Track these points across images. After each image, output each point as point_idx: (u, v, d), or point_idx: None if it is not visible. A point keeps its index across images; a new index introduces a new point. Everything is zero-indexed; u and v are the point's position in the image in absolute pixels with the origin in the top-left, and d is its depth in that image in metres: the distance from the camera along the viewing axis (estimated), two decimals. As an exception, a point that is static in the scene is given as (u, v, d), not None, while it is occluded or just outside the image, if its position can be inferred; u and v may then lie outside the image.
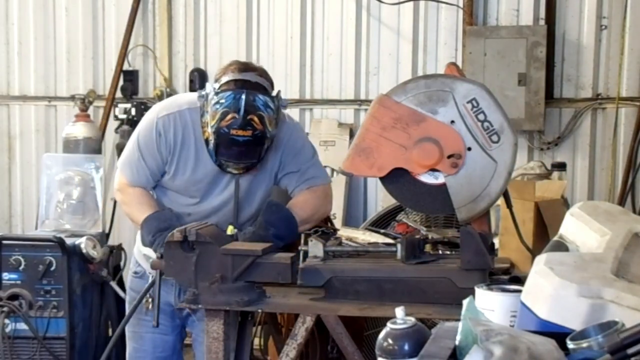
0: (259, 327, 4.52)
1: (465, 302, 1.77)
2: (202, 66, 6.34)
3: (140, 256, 3.53)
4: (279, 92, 3.28)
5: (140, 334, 3.54)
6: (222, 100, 3.11)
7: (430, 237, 3.59)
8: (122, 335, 3.52)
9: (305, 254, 3.10)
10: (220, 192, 3.38)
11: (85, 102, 6.19)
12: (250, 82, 3.16)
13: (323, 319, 3.02)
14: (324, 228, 3.63)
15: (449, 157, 2.84)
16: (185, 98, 3.44)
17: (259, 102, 3.11)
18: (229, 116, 3.09)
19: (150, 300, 3.31)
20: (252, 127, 3.10)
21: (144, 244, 3.29)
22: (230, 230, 3.24)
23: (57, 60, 6.66)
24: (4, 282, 4.57)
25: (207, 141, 3.22)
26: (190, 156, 3.31)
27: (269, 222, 3.27)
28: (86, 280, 4.68)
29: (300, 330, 3.00)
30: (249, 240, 3.16)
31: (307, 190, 3.44)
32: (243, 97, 3.09)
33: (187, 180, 3.34)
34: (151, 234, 3.21)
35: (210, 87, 3.20)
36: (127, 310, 3.54)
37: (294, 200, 3.44)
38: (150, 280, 3.26)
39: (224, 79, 3.18)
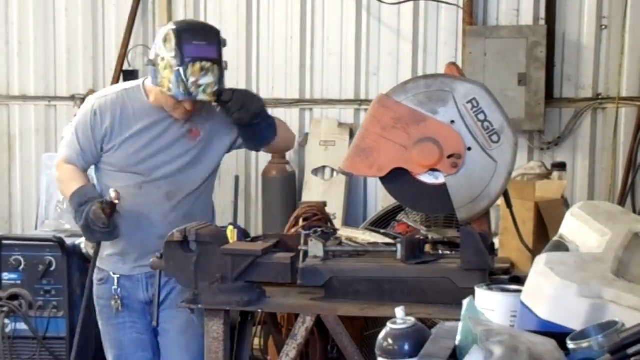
0: (259, 327, 4.52)
1: (465, 302, 1.77)
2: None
3: (101, 260, 3.54)
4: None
5: (119, 339, 3.53)
6: (176, 47, 3.27)
7: (430, 237, 3.59)
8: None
9: (305, 254, 3.10)
10: (172, 161, 3.45)
11: (85, 102, 6.19)
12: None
13: (323, 319, 3.02)
14: (324, 228, 3.63)
15: (449, 157, 2.84)
16: (122, 84, 3.72)
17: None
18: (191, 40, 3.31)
19: (118, 301, 3.43)
20: (210, 38, 3.42)
21: (76, 222, 3.43)
22: (230, 230, 3.25)
23: (57, 60, 6.66)
24: (4, 282, 4.57)
25: (167, 86, 3.28)
26: (131, 129, 3.42)
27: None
28: (86, 280, 4.67)
29: (300, 330, 3.00)
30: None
31: None
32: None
33: (130, 153, 3.43)
34: (74, 210, 3.37)
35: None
36: (100, 323, 3.59)
37: None
38: (115, 282, 3.43)
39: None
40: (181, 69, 3.21)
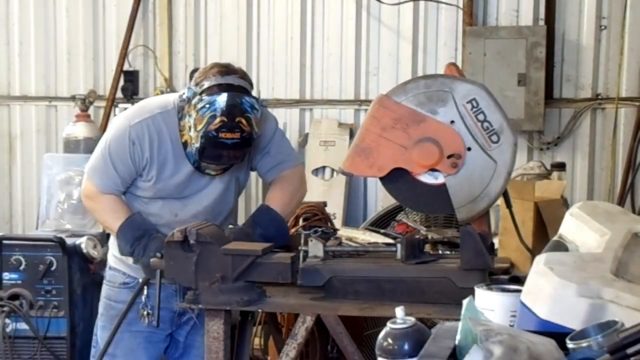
0: (259, 327, 4.52)
1: (465, 302, 1.78)
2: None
3: (121, 263, 3.41)
4: (259, 93, 3.34)
5: (132, 347, 3.36)
6: (208, 105, 3.06)
7: (430, 237, 3.60)
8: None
9: (306, 254, 3.11)
10: (200, 192, 3.32)
11: (85, 103, 6.20)
12: (234, 85, 3.12)
13: (323, 318, 3.03)
14: (324, 228, 3.64)
15: (448, 157, 2.84)
16: (154, 102, 3.35)
17: (245, 104, 3.07)
18: (217, 120, 3.04)
19: (146, 310, 3.25)
20: (240, 129, 3.06)
21: (122, 253, 3.27)
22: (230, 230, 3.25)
23: (57, 60, 6.66)
24: (4, 282, 4.57)
25: (185, 144, 3.19)
26: (169, 160, 3.24)
27: (258, 222, 3.30)
28: (87, 280, 4.68)
29: (300, 330, 3.00)
30: (234, 234, 3.15)
31: (280, 179, 3.42)
32: (231, 100, 3.06)
33: (169, 184, 3.26)
34: (129, 243, 3.19)
35: (192, 90, 3.14)
36: (105, 326, 3.40)
37: (271, 196, 3.42)
38: (138, 287, 3.26)
39: (207, 83, 3.12)
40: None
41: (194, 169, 3.26)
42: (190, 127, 3.13)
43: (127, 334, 3.33)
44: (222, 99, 3.05)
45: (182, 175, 3.26)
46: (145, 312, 3.26)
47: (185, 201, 3.31)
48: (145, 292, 3.25)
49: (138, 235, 3.18)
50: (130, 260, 3.27)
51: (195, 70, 3.39)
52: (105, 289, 3.47)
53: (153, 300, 3.20)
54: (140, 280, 3.27)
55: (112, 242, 3.42)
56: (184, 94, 3.16)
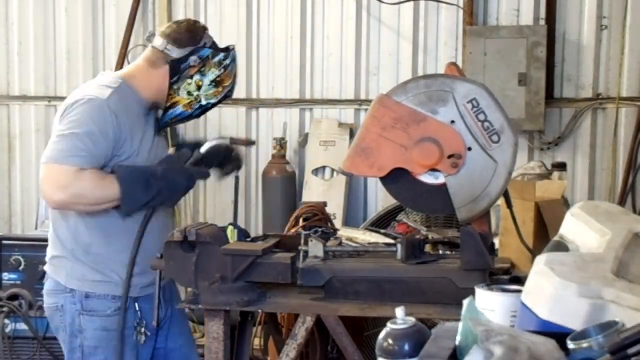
0: (259, 327, 4.52)
1: (465, 302, 1.77)
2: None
3: (105, 286, 3.15)
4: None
5: None
6: (231, 60, 3.29)
7: (430, 237, 3.59)
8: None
9: (305, 253, 3.10)
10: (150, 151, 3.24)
11: (85, 102, 6.19)
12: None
13: (323, 319, 3.02)
14: (324, 228, 3.63)
15: (449, 157, 2.84)
16: (104, 81, 3.20)
17: None
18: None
19: (143, 331, 3.16)
20: None
21: (135, 207, 3.07)
22: (230, 230, 3.25)
23: (57, 60, 6.67)
24: (3, 282, 4.57)
25: (172, 105, 3.21)
26: (135, 131, 3.15)
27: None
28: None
29: (300, 330, 3.00)
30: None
31: None
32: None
33: (140, 156, 3.15)
34: (142, 193, 3.04)
35: (206, 50, 3.24)
36: (104, 355, 3.14)
37: None
38: (137, 307, 3.15)
39: (208, 41, 3.26)
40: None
41: (154, 136, 3.24)
42: (206, 83, 3.21)
43: (130, 353, 3.18)
44: (233, 56, 3.31)
45: (148, 143, 3.20)
46: (141, 330, 3.17)
47: None
48: (137, 307, 3.17)
49: (141, 184, 3.03)
50: (114, 277, 3.12)
51: (152, 35, 3.37)
52: (96, 321, 3.13)
53: (144, 316, 3.16)
54: (130, 299, 3.14)
55: (74, 272, 3.15)
56: (192, 52, 3.19)
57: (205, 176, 3.29)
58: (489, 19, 5.87)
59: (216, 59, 3.23)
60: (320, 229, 3.38)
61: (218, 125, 6.34)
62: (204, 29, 3.30)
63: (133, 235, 3.11)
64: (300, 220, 4.04)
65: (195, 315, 4.93)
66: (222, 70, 3.24)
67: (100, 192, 3.02)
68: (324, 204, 4.34)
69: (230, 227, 3.23)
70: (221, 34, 6.30)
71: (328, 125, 6.13)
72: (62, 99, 6.49)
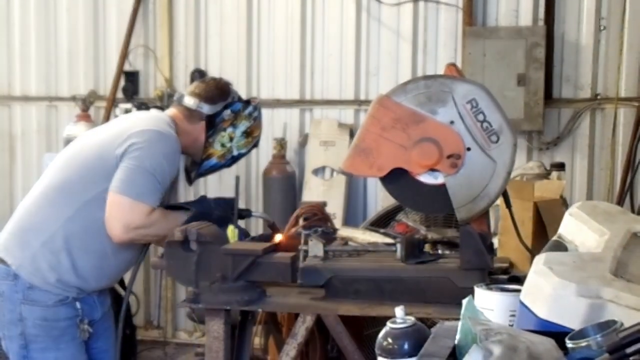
0: (259, 327, 4.53)
1: (464, 301, 1.78)
2: (202, 67, 6.35)
3: (48, 284, 3.18)
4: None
5: (77, 357, 3.27)
6: (258, 113, 3.52)
7: (429, 237, 3.60)
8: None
9: (306, 253, 3.11)
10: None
11: (86, 103, 6.22)
12: None
13: (323, 318, 3.03)
14: (324, 228, 3.64)
15: (448, 157, 2.85)
16: (161, 120, 3.36)
17: None
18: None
19: (85, 328, 3.24)
20: None
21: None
22: (230, 230, 3.26)
23: (58, 60, 6.67)
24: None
25: (208, 157, 3.47)
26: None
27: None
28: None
29: (301, 330, 3.01)
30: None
31: None
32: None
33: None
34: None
35: (237, 104, 3.48)
36: (42, 344, 3.19)
37: None
38: (79, 306, 3.21)
39: (235, 96, 3.51)
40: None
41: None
42: (238, 135, 3.46)
43: (72, 343, 3.24)
44: (260, 108, 3.56)
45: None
46: (84, 327, 3.24)
47: None
48: (78, 306, 3.22)
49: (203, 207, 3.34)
50: (57, 275, 3.16)
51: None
52: (37, 311, 3.16)
53: (85, 314, 3.24)
54: (71, 297, 3.20)
55: (31, 263, 3.16)
56: (226, 107, 3.43)
57: (246, 236, 3.48)
58: (488, 20, 5.88)
59: (246, 111, 3.48)
60: (320, 229, 3.39)
61: (218, 126, 6.35)
62: (230, 84, 3.55)
63: (106, 258, 3.22)
64: (300, 220, 4.05)
65: (196, 315, 4.93)
66: (252, 121, 3.50)
67: (162, 231, 3.15)
68: (324, 204, 4.34)
69: (231, 227, 3.25)
70: (221, 34, 6.32)
71: (328, 125, 6.14)
72: (63, 99, 6.59)
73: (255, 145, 3.58)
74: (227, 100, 3.46)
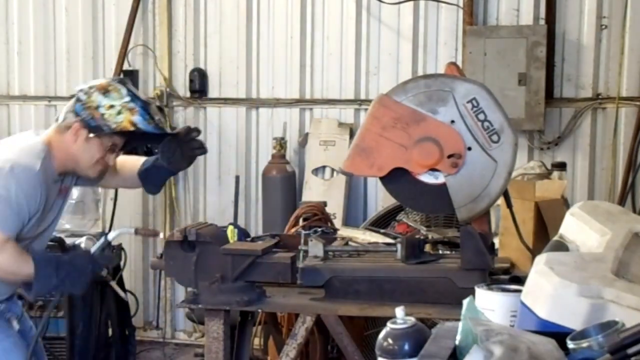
0: (259, 327, 4.52)
1: (465, 302, 1.77)
2: (202, 66, 6.34)
3: None
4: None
5: (7, 349, 3.24)
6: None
7: (430, 237, 3.59)
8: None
9: (305, 253, 3.10)
10: (53, 221, 3.32)
11: (85, 102, 6.18)
12: None
13: (323, 318, 3.03)
14: (324, 228, 3.63)
15: (449, 156, 2.84)
16: (30, 150, 3.18)
17: None
18: None
19: (13, 315, 3.27)
20: None
21: (42, 292, 3.19)
22: (230, 230, 3.25)
23: (57, 60, 6.66)
24: (3, 281, 4.56)
25: (130, 127, 3.18)
26: (50, 200, 3.21)
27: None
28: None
29: (301, 330, 3.00)
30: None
31: None
32: None
33: (34, 223, 3.17)
34: (52, 280, 3.08)
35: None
36: None
37: None
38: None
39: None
40: (144, 109, 3.14)
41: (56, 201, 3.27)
42: (120, 111, 3.13)
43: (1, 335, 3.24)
44: None
45: (54, 210, 3.26)
46: (13, 317, 3.26)
47: (36, 235, 3.24)
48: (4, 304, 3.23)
49: (52, 268, 3.08)
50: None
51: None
52: None
53: (14, 308, 3.28)
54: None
55: None
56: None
57: (109, 261, 3.35)
58: (489, 19, 5.87)
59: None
60: (320, 229, 3.38)
61: (218, 126, 6.34)
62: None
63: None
64: (300, 220, 4.04)
65: (196, 315, 4.92)
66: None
67: (18, 268, 3.06)
68: (324, 204, 4.34)
69: (231, 227, 3.24)
70: (221, 33, 6.30)
71: (328, 125, 6.13)
72: (62, 98, 6.57)
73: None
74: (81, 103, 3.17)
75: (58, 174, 3.19)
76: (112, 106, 3.11)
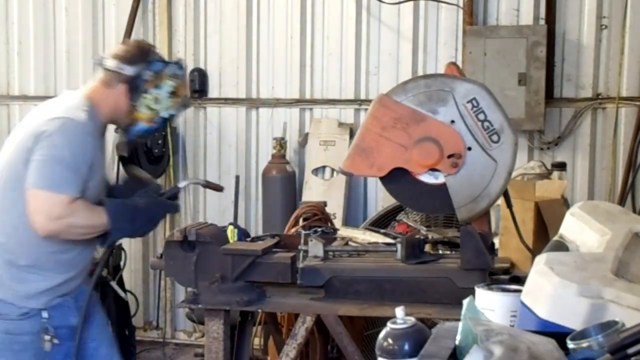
0: (259, 327, 4.52)
1: (465, 302, 1.77)
2: (202, 66, 6.34)
3: (12, 295, 3.10)
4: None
5: None
6: (181, 72, 3.34)
7: (430, 237, 3.59)
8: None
9: (305, 253, 3.10)
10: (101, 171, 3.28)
11: (85, 102, 6.18)
12: None
13: (323, 318, 3.03)
14: (324, 228, 3.63)
15: (449, 156, 2.84)
16: (72, 102, 3.19)
17: None
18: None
19: (50, 339, 3.11)
20: None
21: (124, 235, 3.18)
22: (230, 230, 3.25)
23: (57, 60, 6.66)
24: None
25: (133, 120, 3.24)
26: (99, 153, 3.19)
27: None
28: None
29: (300, 330, 3.00)
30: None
31: None
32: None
33: (99, 177, 3.18)
34: (128, 224, 3.09)
35: (158, 64, 3.26)
36: (4, 357, 3.10)
37: None
38: (45, 316, 3.10)
39: (155, 56, 3.30)
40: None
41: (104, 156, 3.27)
42: (164, 96, 3.23)
43: (32, 358, 3.13)
44: (183, 66, 3.39)
45: (102, 164, 3.24)
46: (48, 337, 3.11)
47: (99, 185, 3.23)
48: (46, 315, 3.12)
49: (128, 218, 3.08)
50: (20, 289, 3.09)
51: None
52: (0, 324, 3.10)
53: (54, 321, 3.13)
54: (37, 309, 3.12)
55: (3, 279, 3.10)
56: (145, 69, 3.21)
57: (177, 210, 3.36)
58: (489, 19, 5.87)
59: (168, 70, 3.27)
60: (320, 229, 3.38)
61: (218, 125, 6.34)
62: (152, 46, 3.39)
63: (63, 265, 3.13)
64: (300, 220, 4.04)
65: (196, 315, 4.93)
66: (177, 80, 3.29)
67: (92, 222, 3.05)
68: (324, 204, 4.34)
69: (231, 227, 3.24)
70: (221, 33, 6.30)
71: (328, 125, 6.13)
72: (62, 98, 6.57)
73: (185, 105, 3.43)
74: (148, 59, 3.24)
75: (103, 126, 3.23)
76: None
